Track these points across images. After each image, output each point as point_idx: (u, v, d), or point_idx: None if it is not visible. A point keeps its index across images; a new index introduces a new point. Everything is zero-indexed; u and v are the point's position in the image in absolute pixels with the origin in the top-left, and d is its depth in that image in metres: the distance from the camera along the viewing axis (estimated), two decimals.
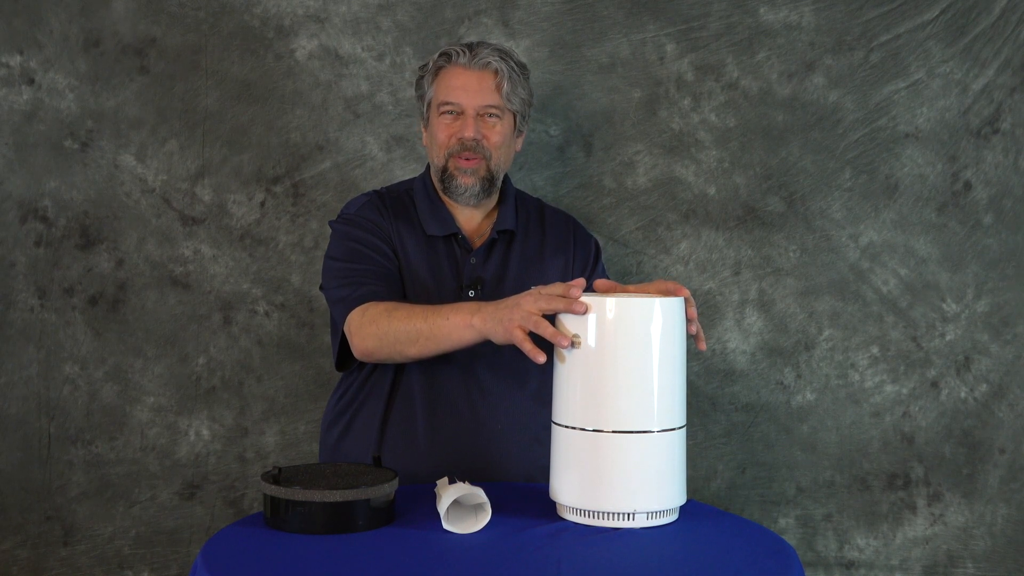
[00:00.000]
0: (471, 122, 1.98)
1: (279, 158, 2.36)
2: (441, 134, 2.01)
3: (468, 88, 1.99)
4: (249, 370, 2.36)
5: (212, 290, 2.37)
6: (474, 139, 1.98)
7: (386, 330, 1.86)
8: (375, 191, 2.09)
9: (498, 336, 1.70)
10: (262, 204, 2.37)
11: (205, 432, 2.38)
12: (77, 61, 2.34)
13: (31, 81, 2.34)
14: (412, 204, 2.05)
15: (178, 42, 2.34)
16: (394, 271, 1.97)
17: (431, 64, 2.03)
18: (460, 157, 1.99)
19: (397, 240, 2.00)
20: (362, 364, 2.01)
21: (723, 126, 2.36)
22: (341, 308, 1.93)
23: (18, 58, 2.34)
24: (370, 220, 2.00)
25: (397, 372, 1.98)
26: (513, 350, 1.91)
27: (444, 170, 2.01)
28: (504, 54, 2.01)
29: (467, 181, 2.00)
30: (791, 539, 2.37)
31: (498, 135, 2.01)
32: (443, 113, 2.01)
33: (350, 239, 1.99)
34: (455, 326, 1.77)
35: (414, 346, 1.83)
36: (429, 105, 2.04)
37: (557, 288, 1.63)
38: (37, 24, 2.33)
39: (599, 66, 2.36)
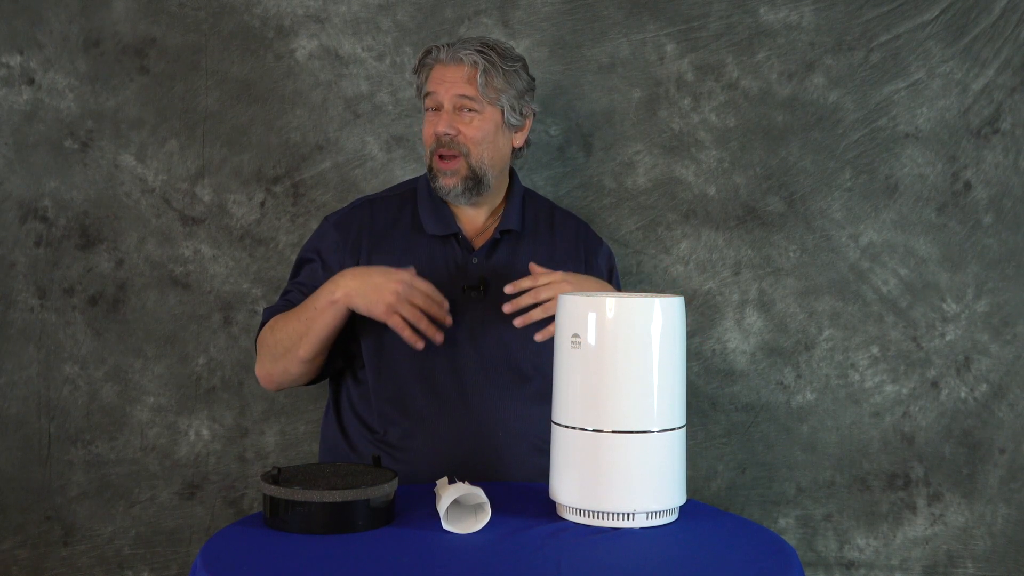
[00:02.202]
0: (446, 116, 1.98)
1: (279, 158, 2.36)
2: (425, 131, 2.02)
3: (444, 80, 1.99)
4: (249, 370, 2.36)
5: (212, 290, 2.37)
6: (446, 133, 1.97)
7: (272, 345, 1.94)
8: (368, 199, 2.08)
9: (374, 314, 1.81)
10: (262, 204, 2.37)
11: (205, 432, 2.38)
12: (77, 61, 2.34)
13: (31, 81, 2.34)
14: (415, 204, 2.05)
15: (178, 42, 2.34)
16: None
17: (418, 61, 2.04)
18: (439, 156, 1.99)
19: (368, 253, 1.99)
20: (359, 367, 2.01)
21: (723, 126, 2.36)
22: (255, 339, 2.04)
23: (18, 58, 2.34)
24: (327, 241, 2.01)
25: (395, 372, 1.97)
26: (510, 355, 1.93)
27: (430, 168, 2.01)
28: (486, 47, 1.99)
29: (447, 182, 1.99)
30: (791, 539, 2.37)
31: (475, 130, 1.98)
32: (428, 109, 2.01)
33: (299, 257, 2.06)
34: (321, 309, 1.85)
35: (299, 346, 1.89)
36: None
37: (427, 288, 1.79)
38: (37, 24, 2.33)
39: (599, 66, 2.36)
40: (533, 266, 1.89)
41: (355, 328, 1.97)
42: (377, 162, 2.36)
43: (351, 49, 2.35)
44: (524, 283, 1.86)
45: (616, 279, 2.12)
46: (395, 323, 1.81)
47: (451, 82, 1.98)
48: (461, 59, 1.97)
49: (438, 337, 1.79)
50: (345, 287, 1.84)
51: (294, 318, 1.91)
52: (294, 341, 1.90)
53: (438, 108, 1.99)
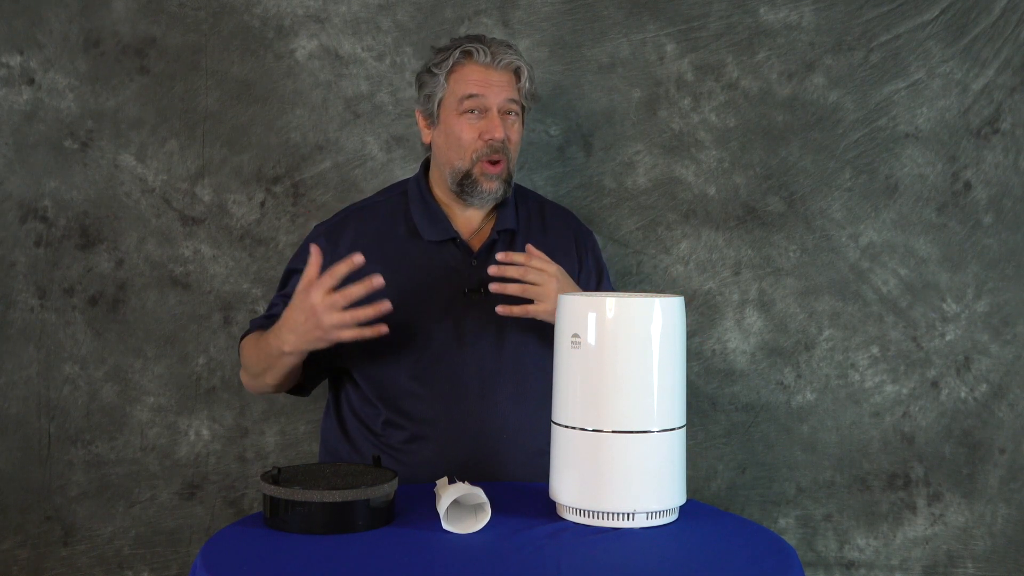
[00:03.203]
0: (498, 122, 1.96)
1: (279, 158, 2.36)
2: (467, 134, 1.97)
3: (492, 84, 1.97)
4: None
5: (212, 290, 2.37)
6: (502, 141, 1.97)
7: (245, 364, 1.99)
8: (356, 207, 2.07)
9: (326, 345, 1.79)
10: (262, 204, 2.37)
11: (205, 432, 2.38)
12: (77, 61, 2.34)
13: (31, 81, 2.34)
14: (406, 209, 2.04)
15: (178, 42, 2.34)
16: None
17: (450, 60, 1.98)
18: (488, 161, 1.97)
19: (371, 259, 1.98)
20: (356, 372, 2.01)
21: (723, 126, 2.36)
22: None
23: (18, 58, 2.34)
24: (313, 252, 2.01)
25: (394, 377, 1.97)
26: (512, 357, 1.93)
27: (467, 174, 1.98)
28: (515, 50, 2.01)
29: (492, 185, 1.98)
30: (791, 539, 2.37)
31: (517, 133, 2.01)
32: (466, 111, 1.97)
33: (287, 268, 2.06)
34: (277, 355, 1.86)
35: (266, 376, 1.93)
36: (440, 103, 2.00)
37: (330, 286, 1.74)
38: (37, 24, 2.33)
39: (599, 66, 2.36)
40: (530, 247, 1.90)
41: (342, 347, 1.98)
42: (377, 162, 2.36)
43: (351, 49, 2.35)
44: (518, 257, 1.87)
45: (604, 267, 2.13)
46: (349, 337, 1.77)
47: (499, 86, 1.97)
48: (509, 64, 1.98)
49: (384, 306, 1.76)
50: (288, 342, 1.82)
51: (257, 351, 1.93)
52: (261, 370, 1.94)
53: (483, 110, 1.97)
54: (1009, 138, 2.33)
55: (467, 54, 1.98)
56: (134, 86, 2.35)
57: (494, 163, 1.97)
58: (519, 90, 2.00)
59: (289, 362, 1.87)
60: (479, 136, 1.97)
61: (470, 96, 1.96)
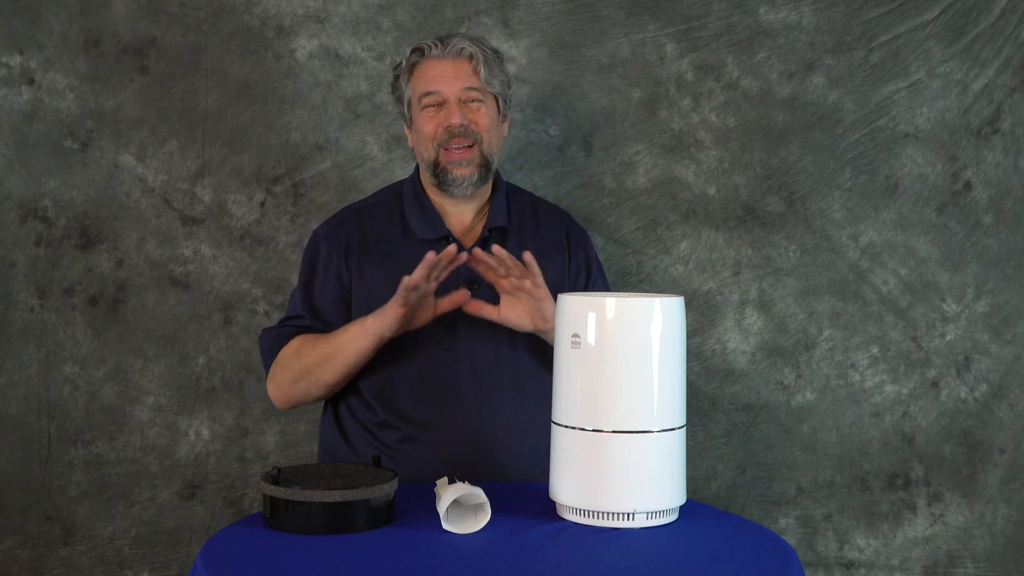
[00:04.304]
0: (455, 108, 1.97)
1: (279, 158, 2.36)
2: (427, 127, 1.99)
3: (446, 76, 1.97)
4: (249, 370, 2.36)
5: (212, 290, 2.37)
6: (462, 125, 1.96)
7: (298, 368, 1.96)
8: (353, 208, 2.08)
9: (392, 326, 1.86)
10: (262, 204, 2.37)
11: (205, 432, 2.38)
12: (77, 61, 2.34)
13: (31, 81, 2.34)
14: (401, 209, 2.04)
15: (178, 42, 2.34)
16: (328, 307, 2.00)
17: (404, 63, 2.02)
18: (450, 149, 1.97)
19: (361, 262, 1.99)
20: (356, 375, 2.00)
21: (723, 126, 2.36)
22: (267, 359, 2.04)
23: (18, 58, 2.34)
24: (319, 256, 2.01)
25: (390, 377, 1.97)
26: (507, 355, 1.92)
27: (436, 164, 1.99)
28: (476, 40, 2.01)
29: (463, 172, 1.98)
30: (791, 539, 2.37)
31: (485, 117, 1.99)
32: (426, 107, 1.99)
33: (301, 271, 2.05)
34: (353, 336, 1.89)
35: (325, 369, 1.93)
36: (409, 103, 2.02)
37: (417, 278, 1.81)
38: (37, 24, 2.33)
39: (599, 66, 2.36)
40: (529, 258, 1.87)
41: None
42: (377, 162, 2.36)
43: (351, 49, 2.35)
44: (515, 267, 1.87)
45: (598, 268, 2.12)
46: (439, 308, 1.89)
47: (454, 76, 1.97)
48: (460, 52, 1.98)
49: (456, 256, 1.82)
50: (390, 328, 1.88)
51: (324, 342, 1.94)
52: (320, 363, 1.93)
53: (440, 104, 1.98)
54: (1009, 138, 2.33)
55: (419, 51, 2.00)
56: (134, 86, 2.35)
57: (458, 149, 1.97)
58: (477, 75, 1.99)
59: (370, 346, 1.90)
60: (438, 126, 1.98)
61: (427, 93, 1.98)
